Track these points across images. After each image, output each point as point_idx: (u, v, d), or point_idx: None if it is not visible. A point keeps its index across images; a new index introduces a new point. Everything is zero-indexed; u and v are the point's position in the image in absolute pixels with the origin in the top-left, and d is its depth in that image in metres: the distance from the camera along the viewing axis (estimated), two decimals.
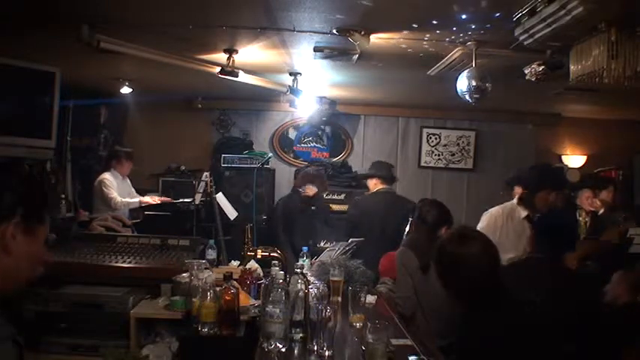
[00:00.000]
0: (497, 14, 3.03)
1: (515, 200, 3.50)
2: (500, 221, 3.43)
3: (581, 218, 4.78)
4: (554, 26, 2.66)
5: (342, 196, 6.61)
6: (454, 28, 3.36)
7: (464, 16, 3.15)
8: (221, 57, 4.19)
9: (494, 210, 3.53)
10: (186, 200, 5.84)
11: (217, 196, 5.36)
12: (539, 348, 1.82)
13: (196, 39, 3.83)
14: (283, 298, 2.05)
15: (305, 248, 3.49)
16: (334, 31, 3.49)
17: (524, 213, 3.37)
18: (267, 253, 3.11)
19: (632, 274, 2.69)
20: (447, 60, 3.98)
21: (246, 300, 2.53)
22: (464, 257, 1.95)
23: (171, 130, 6.81)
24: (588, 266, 2.75)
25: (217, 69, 4.22)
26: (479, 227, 3.57)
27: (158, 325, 2.41)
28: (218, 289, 2.33)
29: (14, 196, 1.21)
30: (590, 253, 2.61)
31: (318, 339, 2.07)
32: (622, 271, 2.70)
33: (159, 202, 5.88)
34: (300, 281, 2.23)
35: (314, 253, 3.65)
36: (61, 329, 2.43)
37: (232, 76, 4.22)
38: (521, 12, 2.87)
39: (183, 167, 6.69)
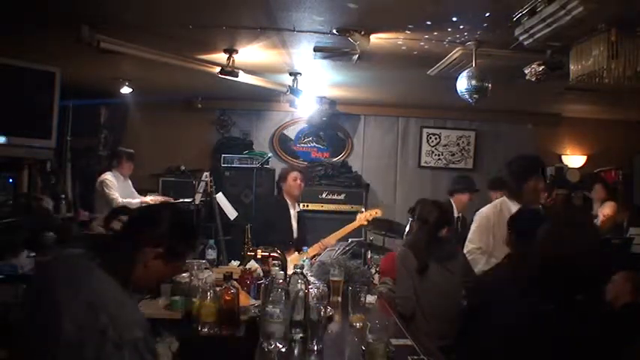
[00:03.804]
0: (498, 14, 3.03)
1: (505, 197, 3.48)
2: (492, 220, 3.40)
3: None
4: (554, 26, 2.66)
5: (342, 196, 6.61)
6: (454, 28, 3.36)
7: (464, 16, 3.15)
8: (221, 57, 4.19)
9: (485, 209, 3.51)
10: (186, 200, 5.84)
11: (217, 196, 5.36)
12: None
13: (196, 39, 3.83)
14: (283, 298, 2.05)
15: (305, 248, 3.50)
16: (334, 31, 3.49)
17: (514, 208, 3.35)
18: (267, 253, 3.11)
19: (635, 275, 2.69)
20: (447, 60, 3.98)
21: (246, 300, 2.54)
22: (571, 245, 1.89)
23: (171, 130, 6.80)
24: None
25: (217, 69, 4.22)
26: (473, 228, 3.54)
27: (158, 325, 2.41)
28: (218, 289, 2.34)
29: (166, 231, 1.66)
30: None
31: (318, 339, 2.07)
32: (625, 271, 2.69)
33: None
34: (300, 281, 2.23)
35: None
36: None
37: (232, 76, 4.22)
38: (521, 12, 2.87)
39: (183, 167, 6.68)
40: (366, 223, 4.31)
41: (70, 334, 1.40)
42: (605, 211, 4.72)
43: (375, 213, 4.30)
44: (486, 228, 3.40)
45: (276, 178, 4.67)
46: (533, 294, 1.94)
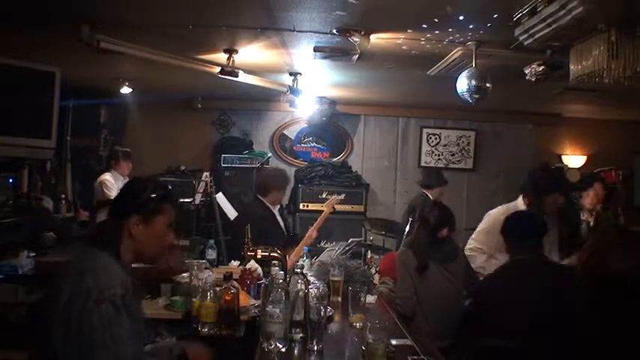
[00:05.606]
0: (497, 14, 3.03)
1: (519, 201, 3.47)
2: (501, 223, 3.41)
3: (584, 219, 4.76)
4: (554, 26, 2.66)
5: (342, 196, 6.59)
6: (454, 28, 3.36)
7: (464, 16, 3.14)
8: (221, 57, 4.19)
9: (496, 211, 3.50)
10: (186, 200, 5.84)
11: (217, 196, 5.36)
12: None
13: (196, 39, 3.83)
14: (283, 298, 2.05)
15: (306, 248, 3.49)
16: (334, 31, 3.49)
17: None
18: (267, 253, 3.11)
19: None
20: (447, 60, 3.98)
21: (246, 300, 2.54)
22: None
23: (171, 130, 6.80)
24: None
25: (217, 69, 4.21)
26: (479, 229, 3.54)
27: (158, 325, 2.42)
28: (218, 289, 2.34)
29: (138, 196, 1.81)
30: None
31: (318, 339, 2.07)
32: None
33: None
34: (300, 281, 2.23)
35: None
36: None
37: (232, 76, 4.21)
38: (521, 12, 2.87)
39: (183, 167, 6.68)
40: (333, 209, 4.40)
41: (63, 301, 1.58)
42: (589, 193, 4.75)
43: (334, 199, 4.51)
44: (493, 229, 3.40)
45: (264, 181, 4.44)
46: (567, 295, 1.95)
